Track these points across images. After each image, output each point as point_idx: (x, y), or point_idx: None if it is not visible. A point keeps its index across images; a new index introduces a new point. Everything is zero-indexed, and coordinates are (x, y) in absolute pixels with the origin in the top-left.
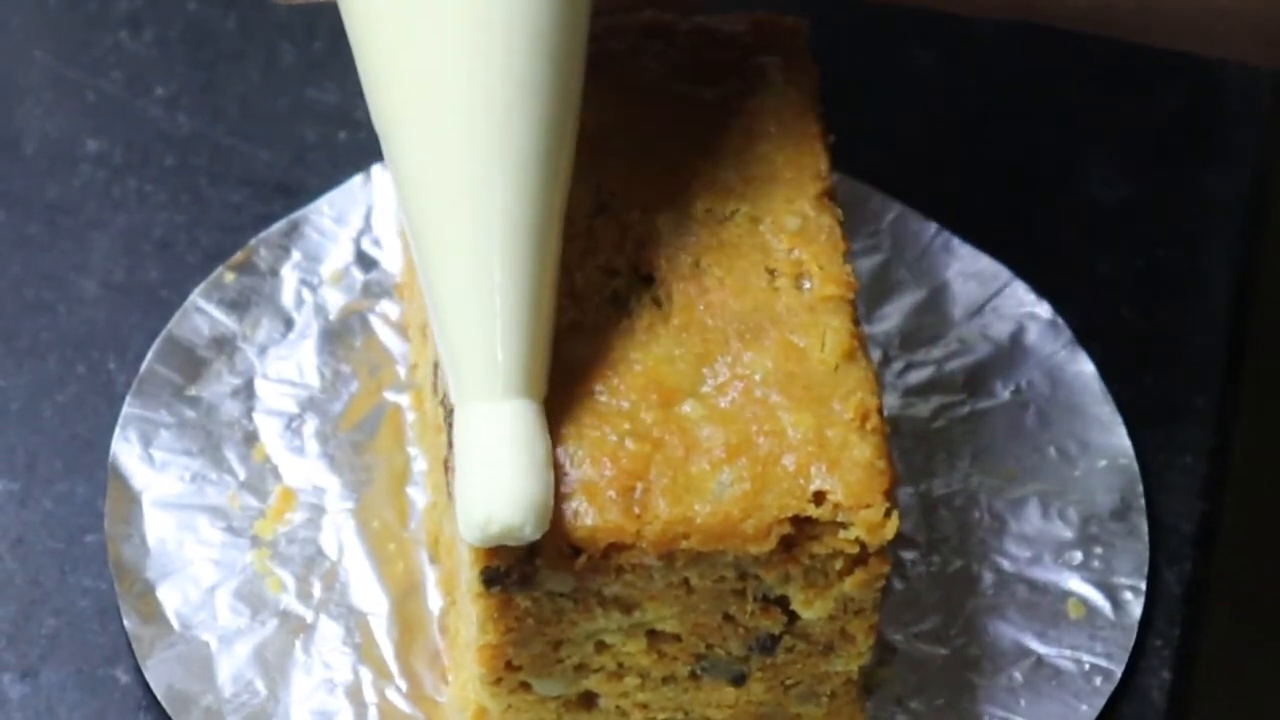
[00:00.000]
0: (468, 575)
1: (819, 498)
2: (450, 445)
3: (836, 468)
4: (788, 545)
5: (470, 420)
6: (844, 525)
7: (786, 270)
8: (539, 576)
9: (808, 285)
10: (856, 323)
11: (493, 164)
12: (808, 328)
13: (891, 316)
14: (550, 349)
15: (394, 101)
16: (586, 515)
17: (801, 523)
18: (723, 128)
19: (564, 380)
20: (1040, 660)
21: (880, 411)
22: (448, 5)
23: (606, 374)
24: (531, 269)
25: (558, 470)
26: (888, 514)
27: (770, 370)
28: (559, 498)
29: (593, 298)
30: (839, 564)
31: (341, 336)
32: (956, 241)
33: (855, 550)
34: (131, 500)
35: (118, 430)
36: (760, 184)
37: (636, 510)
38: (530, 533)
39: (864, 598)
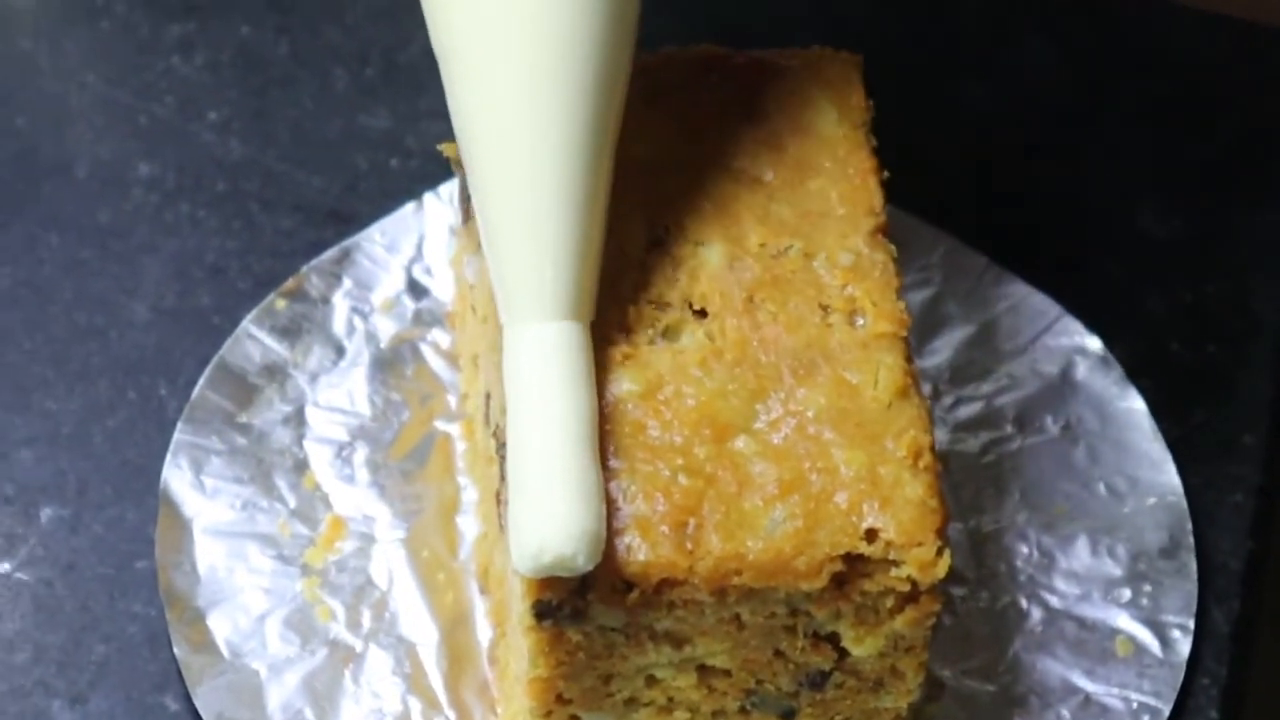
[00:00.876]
0: (519, 608)
1: (871, 535)
2: (503, 478)
3: (889, 505)
4: (839, 582)
5: (519, 343)
6: (896, 563)
7: (840, 306)
8: (591, 611)
9: (861, 322)
10: (909, 360)
11: (549, 87)
12: (861, 364)
13: (941, 351)
14: (598, 273)
15: (453, 24)
16: (639, 550)
17: (853, 560)
18: (777, 162)
19: (616, 414)
20: (1088, 698)
21: (933, 449)
22: None
23: (659, 408)
24: (583, 192)
25: (610, 505)
26: (939, 552)
27: (823, 407)
28: (612, 533)
29: (645, 331)
30: (890, 601)
31: (392, 365)
32: (1007, 276)
33: (907, 588)
34: (182, 527)
35: (169, 457)
36: (814, 219)
37: (689, 546)
38: (583, 563)
39: (914, 635)
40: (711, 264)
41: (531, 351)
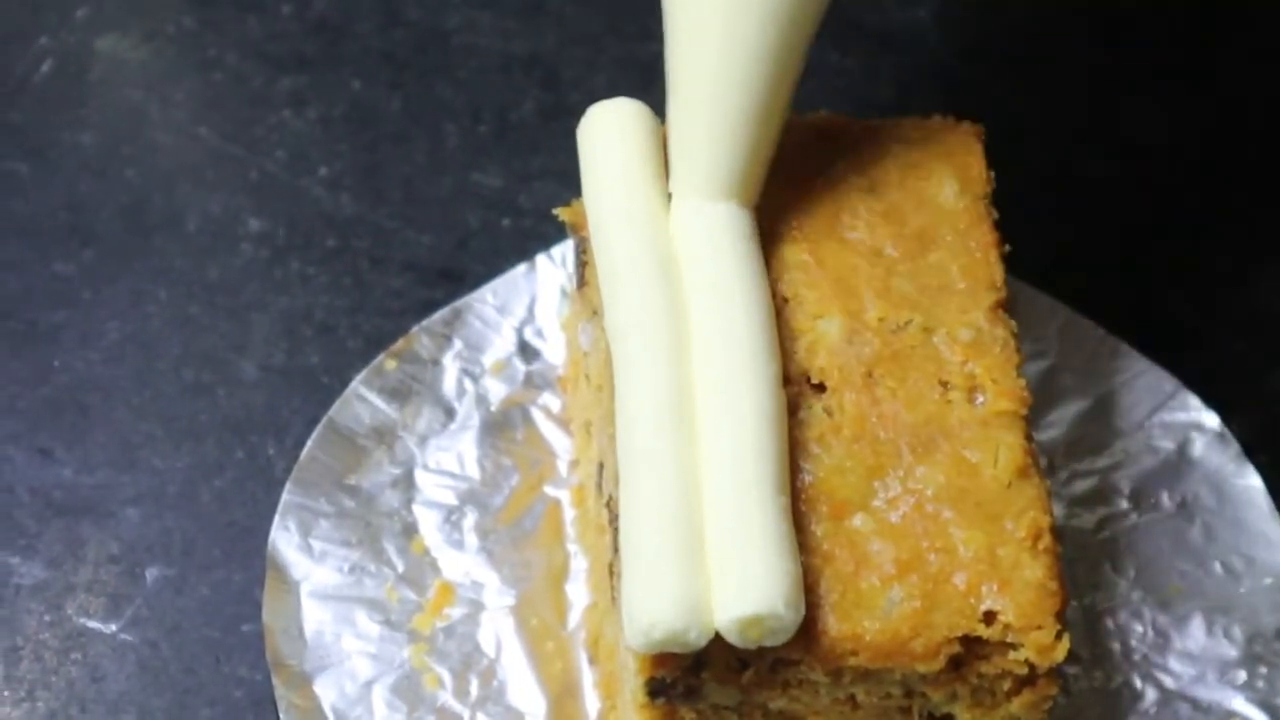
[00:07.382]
0: (632, 684)
1: (989, 618)
2: (615, 550)
3: (1008, 588)
4: (956, 664)
5: (685, 216)
6: (1014, 646)
7: (959, 383)
8: (704, 689)
9: (981, 399)
10: (1029, 438)
11: None
12: (980, 443)
13: (1057, 424)
14: (770, 162)
15: None
16: None
17: (971, 642)
18: (897, 234)
19: None
20: None
21: (1053, 530)
22: None
23: None
24: (766, 86)
25: None
26: (1058, 636)
27: (942, 485)
28: None
29: None
30: (1007, 684)
31: (502, 428)
32: (1124, 348)
33: (1024, 671)
34: (289, 590)
35: (277, 518)
36: (934, 293)
37: (805, 625)
38: (695, 638)
39: (1031, 718)
40: (830, 338)
41: (699, 227)
